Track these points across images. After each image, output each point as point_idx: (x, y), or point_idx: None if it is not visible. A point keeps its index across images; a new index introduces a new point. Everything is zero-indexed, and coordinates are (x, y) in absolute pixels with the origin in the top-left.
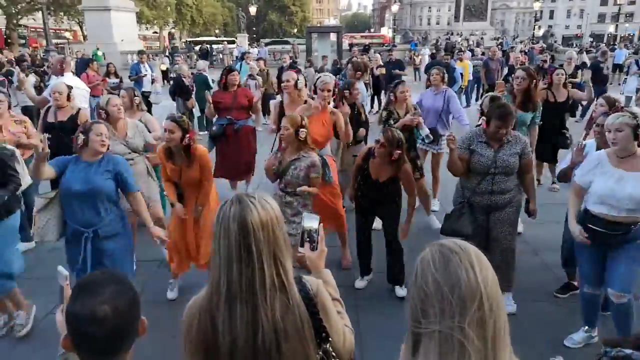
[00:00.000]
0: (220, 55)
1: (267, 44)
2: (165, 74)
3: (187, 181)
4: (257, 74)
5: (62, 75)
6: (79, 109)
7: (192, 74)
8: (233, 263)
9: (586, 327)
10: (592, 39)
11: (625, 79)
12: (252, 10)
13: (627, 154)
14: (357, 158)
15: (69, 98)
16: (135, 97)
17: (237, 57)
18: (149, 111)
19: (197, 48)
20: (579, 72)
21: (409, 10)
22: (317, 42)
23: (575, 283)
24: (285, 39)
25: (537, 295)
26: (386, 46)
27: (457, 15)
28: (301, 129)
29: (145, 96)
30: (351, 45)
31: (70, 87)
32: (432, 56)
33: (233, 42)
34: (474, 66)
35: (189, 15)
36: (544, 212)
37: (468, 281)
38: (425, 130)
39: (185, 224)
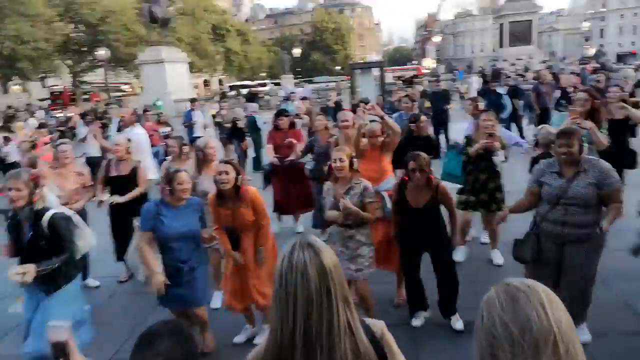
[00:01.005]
0: (268, 97)
1: (312, 83)
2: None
3: (242, 224)
4: (303, 114)
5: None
6: (139, 161)
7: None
8: (313, 309)
9: None
10: None
11: None
12: (297, 51)
13: None
14: (393, 192)
15: (128, 151)
16: (184, 146)
17: (283, 97)
18: None
19: (244, 91)
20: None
21: (452, 39)
22: (360, 78)
23: None
24: (330, 77)
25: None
26: (429, 77)
27: (502, 41)
28: (354, 159)
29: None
30: (399, 78)
31: (129, 140)
32: (484, 84)
33: (278, 84)
34: (525, 90)
35: (236, 62)
36: (612, 239)
37: (539, 322)
38: (500, 157)
39: (245, 269)
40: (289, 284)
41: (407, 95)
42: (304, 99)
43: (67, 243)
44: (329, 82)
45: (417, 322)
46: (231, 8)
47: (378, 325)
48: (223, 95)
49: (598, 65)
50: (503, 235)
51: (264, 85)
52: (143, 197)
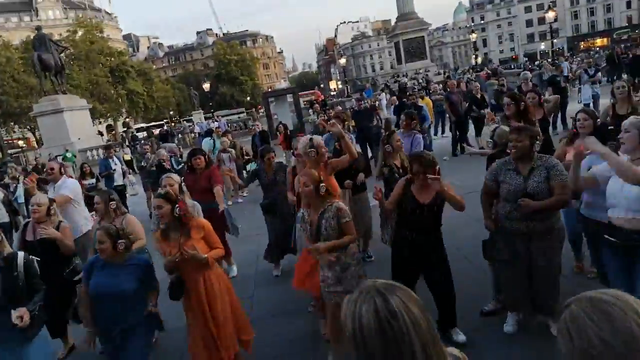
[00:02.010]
0: (180, 135)
1: (223, 116)
2: (129, 163)
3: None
4: (228, 147)
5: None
6: (60, 221)
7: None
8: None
9: None
10: (526, 58)
11: (579, 88)
12: (206, 86)
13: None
14: (396, 188)
15: (50, 212)
16: (111, 202)
17: (199, 133)
18: (124, 204)
19: (156, 132)
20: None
21: (353, 61)
22: (275, 105)
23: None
24: (232, 110)
25: None
26: (335, 98)
27: (399, 57)
28: (321, 184)
29: (119, 190)
30: (311, 102)
31: (52, 200)
32: (399, 99)
33: (190, 120)
34: (434, 101)
35: (141, 102)
36: None
37: None
38: None
39: (203, 312)
40: (365, 339)
41: (337, 116)
42: (225, 133)
43: (39, 281)
44: (233, 114)
45: None
46: (127, 49)
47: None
48: (133, 139)
49: (490, 72)
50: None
51: (176, 122)
52: (68, 259)
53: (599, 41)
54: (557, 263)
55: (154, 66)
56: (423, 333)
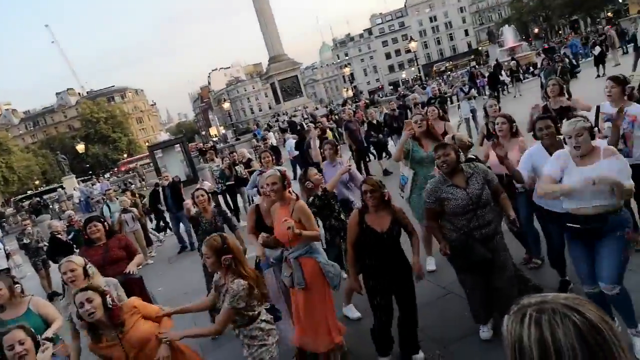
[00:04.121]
0: (56, 205)
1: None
2: None
3: (132, 345)
4: (129, 206)
5: None
6: None
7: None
8: None
9: None
10: (391, 87)
11: (459, 104)
12: (81, 148)
13: (586, 152)
14: (351, 223)
15: None
16: (16, 285)
17: (81, 200)
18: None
19: (26, 205)
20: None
21: (231, 105)
22: (164, 157)
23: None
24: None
25: None
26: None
27: (277, 97)
28: (225, 256)
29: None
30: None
31: None
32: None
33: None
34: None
35: None
36: None
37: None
38: None
39: None
40: None
41: (264, 151)
42: (125, 190)
43: None
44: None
45: None
46: None
47: None
48: (1, 216)
49: (368, 101)
50: None
51: (52, 190)
52: None
53: (448, 65)
54: (511, 260)
55: (10, 135)
56: (625, 348)
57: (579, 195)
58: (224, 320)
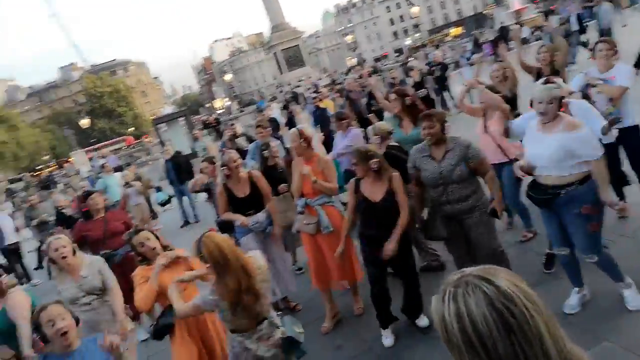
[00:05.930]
0: (65, 179)
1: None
2: None
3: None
4: (132, 181)
5: None
6: None
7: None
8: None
9: (576, 289)
10: (397, 54)
11: (460, 71)
12: (86, 122)
13: (550, 121)
14: (349, 190)
15: None
16: (3, 277)
17: (89, 176)
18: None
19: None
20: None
21: (235, 77)
22: (168, 130)
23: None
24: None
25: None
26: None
27: (280, 68)
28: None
29: (13, 249)
30: (205, 123)
31: None
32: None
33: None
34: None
35: (8, 152)
36: None
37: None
38: None
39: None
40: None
41: (259, 125)
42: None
43: None
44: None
45: (388, 341)
46: None
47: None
48: (10, 192)
49: (371, 69)
50: None
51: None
52: None
53: (453, 31)
54: (494, 236)
55: (16, 110)
56: (542, 312)
57: (541, 163)
58: (185, 313)
